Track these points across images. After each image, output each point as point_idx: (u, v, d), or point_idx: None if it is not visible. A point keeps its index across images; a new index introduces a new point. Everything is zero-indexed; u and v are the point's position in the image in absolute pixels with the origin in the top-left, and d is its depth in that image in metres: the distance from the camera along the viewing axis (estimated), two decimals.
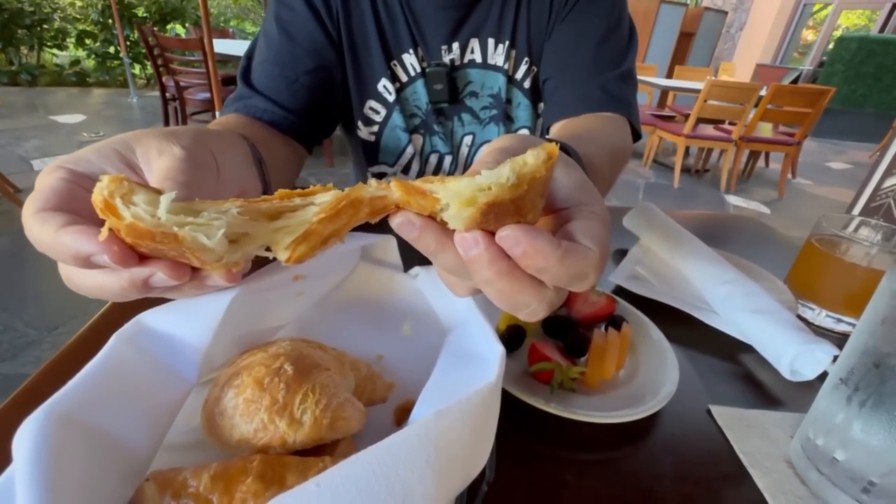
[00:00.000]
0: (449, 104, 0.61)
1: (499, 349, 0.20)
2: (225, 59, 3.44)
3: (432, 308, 0.29)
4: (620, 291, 0.44)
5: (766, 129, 3.78)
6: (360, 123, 0.62)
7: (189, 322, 0.22)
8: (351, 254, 0.31)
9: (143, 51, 3.52)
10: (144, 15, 5.17)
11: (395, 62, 0.59)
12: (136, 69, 5.27)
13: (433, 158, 0.65)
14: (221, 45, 3.22)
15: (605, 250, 0.18)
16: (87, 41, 5.15)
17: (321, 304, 0.30)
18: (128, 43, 4.83)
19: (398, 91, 0.60)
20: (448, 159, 0.65)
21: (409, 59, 0.59)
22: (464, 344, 0.23)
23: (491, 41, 0.58)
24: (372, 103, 0.60)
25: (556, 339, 0.35)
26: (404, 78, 0.60)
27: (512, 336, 0.33)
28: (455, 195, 0.16)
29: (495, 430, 0.19)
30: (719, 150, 3.60)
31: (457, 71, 0.60)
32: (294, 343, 0.23)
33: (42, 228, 0.18)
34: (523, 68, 0.59)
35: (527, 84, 0.60)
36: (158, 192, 0.16)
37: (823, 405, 0.26)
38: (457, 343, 0.24)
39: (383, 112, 0.61)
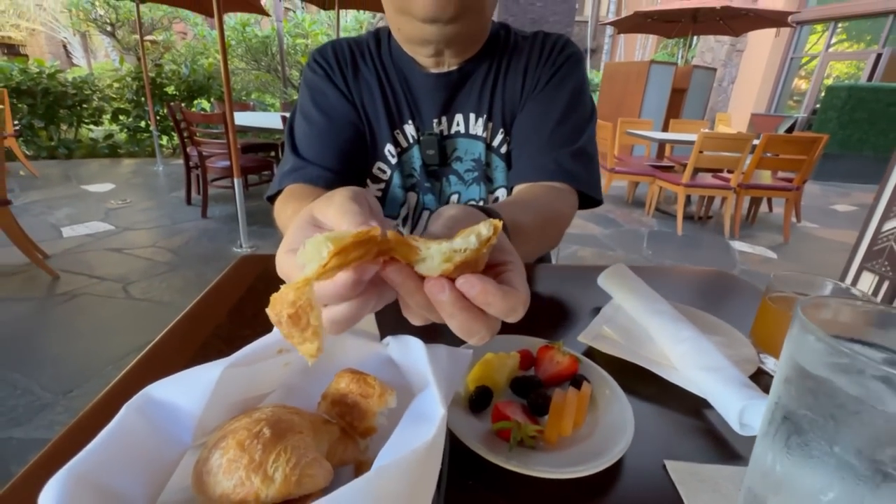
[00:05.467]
0: (439, 167, 0.70)
1: (440, 411, 0.24)
2: (244, 130, 3.71)
3: (403, 375, 0.33)
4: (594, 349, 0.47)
5: (766, 176, 3.86)
6: (369, 182, 0.71)
7: (187, 392, 0.26)
8: None
9: (171, 123, 3.83)
10: (174, 93, 5.65)
11: (397, 130, 0.68)
12: (164, 140, 5.67)
13: (425, 215, 0.72)
14: (241, 118, 3.50)
15: (528, 293, 0.25)
16: (121, 117, 5.61)
17: (306, 371, 0.34)
18: (157, 117, 5.26)
19: (399, 155, 0.69)
20: None
21: (409, 129, 0.68)
22: (421, 407, 0.27)
23: (472, 115, 0.67)
24: (380, 164, 0.70)
25: (522, 398, 0.38)
26: (405, 144, 0.69)
27: (480, 397, 0.36)
28: (438, 254, 0.23)
29: (435, 485, 0.22)
30: (721, 197, 3.66)
31: (446, 139, 0.69)
32: (275, 409, 0.26)
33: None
34: (499, 137, 0.68)
35: (503, 150, 0.68)
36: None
37: (755, 455, 0.29)
38: (416, 407, 0.27)
39: (388, 172, 0.70)
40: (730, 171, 3.51)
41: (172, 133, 5.42)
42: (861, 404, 0.22)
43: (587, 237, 3.39)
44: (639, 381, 0.43)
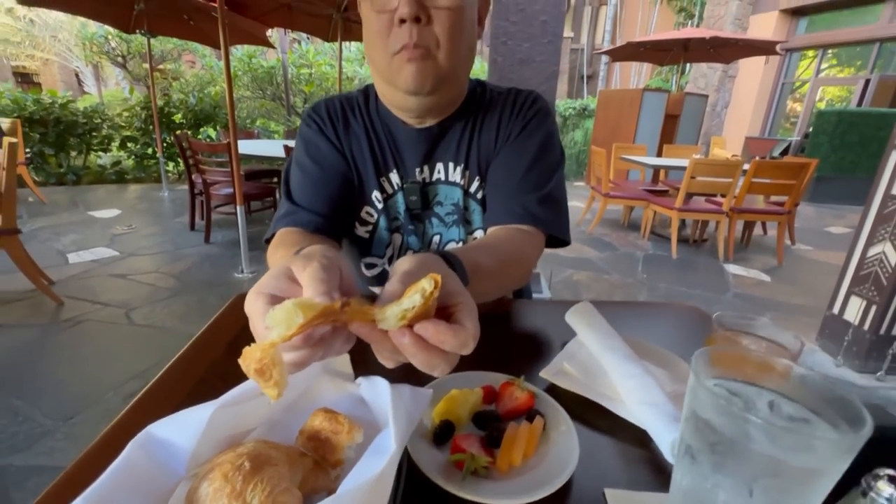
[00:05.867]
0: (422, 210, 0.75)
1: (392, 447, 0.28)
2: (248, 157, 3.82)
3: (371, 412, 0.38)
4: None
5: (760, 200, 3.93)
6: (357, 224, 0.76)
7: (182, 430, 0.31)
8: (315, 367, 0.40)
9: (177, 150, 3.96)
10: (182, 121, 5.82)
11: (383, 178, 0.74)
12: (170, 166, 5.82)
13: (409, 254, 0.77)
14: (245, 146, 3.61)
15: (476, 327, 0.30)
16: (130, 145, 5.77)
17: (287, 408, 0.39)
18: (164, 144, 5.41)
19: (385, 200, 0.75)
20: None
21: (394, 176, 0.74)
22: (381, 443, 0.31)
23: (451, 164, 0.73)
24: (367, 209, 0.75)
25: (483, 430, 0.43)
26: (390, 190, 0.75)
27: (442, 430, 0.41)
28: (393, 316, 0.28)
29: None
30: (715, 221, 3.72)
31: (427, 186, 0.75)
32: (257, 444, 0.31)
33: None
34: (475, 184, 0.74)
35: (479, 195, 0.74)
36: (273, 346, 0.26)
37: (672, 479, 0.33)
38: (377, 442, 0.32)
39: (375, 216, 0.76)
40: (722, 196, 3.58)
41: (178, 159, 5.56)
42: (733, 442, 0.27)
43: (583, 261, 3.44)
44: (592, 413, 0.47)
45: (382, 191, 0.74)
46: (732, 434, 0.27)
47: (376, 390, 0.38)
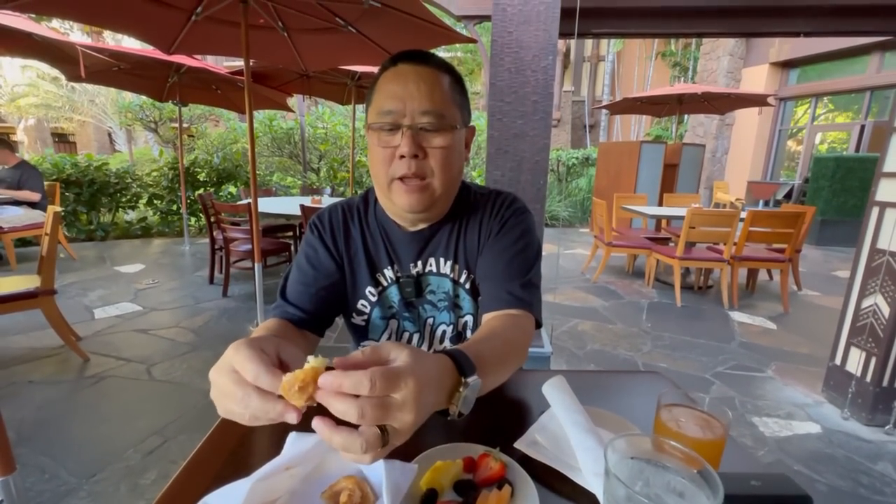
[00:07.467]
0: (416, 298, 0.87)
1: None
2: (266, 214, 4.05)
3: (370, 482, 0.48)
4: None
5: (762, 246, 4.00)
6: (353, 314, 0.87)
7: (229, 499, 0.41)
8: (326, 444, 0.51)
9: (200, 207, 4.22)
10: (205, 179, 6.20)
11: (378, 274, 0.86)
12: (192, 221, 6.14)
13: (406, 335, 0.89)
14: (263, 204, 3.85)
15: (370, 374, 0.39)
16: (156, 202, 6.13)
17: (305, 479, 0.49)
18: (188, 201, 5.74)
19: (379, 293, 0.86)
20: (416, 336, 0.88)
21: (388, 272, 0.86)
22: None
23: (442, 259, 0.85)
24: (362, 301, 0.87)
25: (461, 497, 0.52)
26: (384, 283, 0.87)
27: (427, 497, 0.50)
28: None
29: None
30: (718, 268, 3.78)
31: (421, 277, 0.86)
32: None
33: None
34: (464, 275, 0.85)
35: (467, 286, 0.85)
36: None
37: None
38: None
39: (369, 308, 0.87)
40: (724, 244, 3.67)
41: (200, 214, 5.88)
42: None
43: (587, 310, 3.50)
44: (557, 480, 0.56)
45: (377, 285, 0.86)
46: None
47: (374, 464, 0.48)
